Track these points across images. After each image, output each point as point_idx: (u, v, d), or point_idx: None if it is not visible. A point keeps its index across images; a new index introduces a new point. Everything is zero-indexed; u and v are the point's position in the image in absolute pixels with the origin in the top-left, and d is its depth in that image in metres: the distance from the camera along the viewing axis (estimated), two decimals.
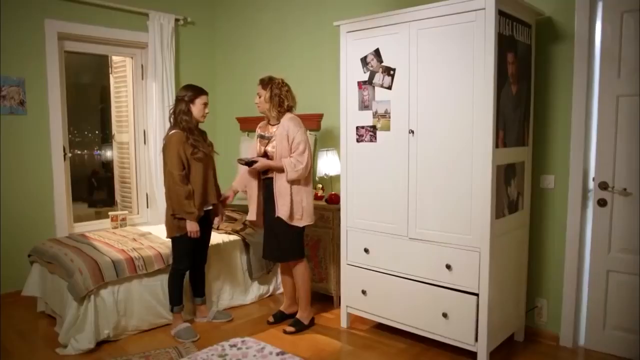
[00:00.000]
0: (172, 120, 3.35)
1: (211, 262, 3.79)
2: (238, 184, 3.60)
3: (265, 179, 3.45)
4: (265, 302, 4.10)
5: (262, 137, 3.49)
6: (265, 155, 3.42)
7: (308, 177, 3.40)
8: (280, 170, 3.32)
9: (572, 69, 3.06)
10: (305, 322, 3.54)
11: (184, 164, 3.22)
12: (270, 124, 3.45)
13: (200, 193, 3.30)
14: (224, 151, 5.45)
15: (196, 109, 3.32)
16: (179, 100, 3.32)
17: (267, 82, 3.38)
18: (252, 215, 3.54)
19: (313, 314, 3.64)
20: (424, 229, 3.03)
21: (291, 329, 3.49)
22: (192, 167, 3.26)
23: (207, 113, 3.41)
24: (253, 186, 3.51)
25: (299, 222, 3.40)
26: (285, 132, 3.32)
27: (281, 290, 4.27)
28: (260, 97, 3.39)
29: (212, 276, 3.85)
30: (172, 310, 3.42)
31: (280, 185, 3.35)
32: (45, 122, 4.30)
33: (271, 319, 3.66)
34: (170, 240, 3.42)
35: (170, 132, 3.28)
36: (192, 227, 3.26)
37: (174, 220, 3.27)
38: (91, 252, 3.43)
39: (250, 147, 3.69)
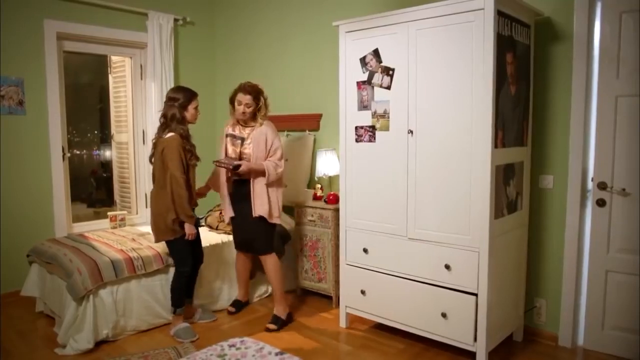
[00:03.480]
0: (161, 120, 3.32)
1: (210, 262, 3.79)
2: (213, 184, 3.75)
3: (237, 180, 3.54)
4: (264, 302, 4.10)
5: (234, 136, 3.56)
6: (240, 156, 3.51)
7: (280, 178, 3.58)
8: (261, 172, 3.43)
9: (571, 69, 3.07)
10: (283, 316, 3.62)
11: (184, 168, 3.25)
12: (243, 125, 3.55)
13: (192, 196, 3.37)
14: None
15: (189, 114, 3.34)
16: (170, 105, 3.29)
17: (256, 93, 3.48)
18: (230, 213, 3.64)
19: (289, 307, 3.73)
20: (423, 229, 3.03)
21: (273, 326, 3.54)
22: (189, 172, 3.30)
23: (199, 114, 3.44)
24: (225, 186, 3.62)
25: (277, 220, 3.59)
26: (264, 136, 3.46)
27: None
28: (249, 107, 3.45)
29: (211, 276, 3.84)
30: (174, 312, 3.42)
31: (259, 187, 3.46)
32: (44, 122, 4.29)
33: (232, 309, 3.82)
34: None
35: (168, 136, 3.24)
36: (191, 229, 3.32)
37: (171, 224, 3.26)
38: (90, 252, 3.43)
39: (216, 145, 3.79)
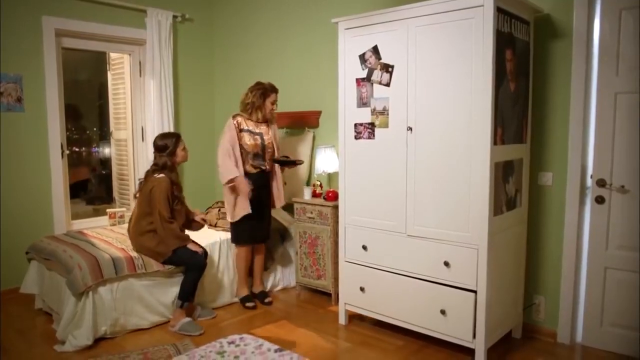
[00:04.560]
0: (153, 168, 3.53)
1: (210, 260, 3.78)
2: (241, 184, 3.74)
3: (262, 171, 3.85)
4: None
5: (251, 132, 3.80)
6: (264, 149, 3.82)
7: None
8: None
9: (571, 66, 3.06)
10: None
11: (170, 207, 3.46)
12: (257, 122, 3.82)
13: (181, 225, 3.64)
14: None
15: (179, 157, 3.58)
16: (160, 155, 3.51)
17: None
18: (249, 209, 3.76)
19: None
20: (422, 226, 3.03)
21: (270, 299, 4.00)
22: (174, 212, 3.51)
23: (187, 152, 3.66)
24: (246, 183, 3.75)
25: None
26: (277, 132, 3.98)
27: (279, 287, 4.30)
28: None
29: (211, 274, 3.84)
30: (180, 306, 3.44)
31: (279, 177, 3.97)
32: (43, 119, 4.28)
33: (251, 304, 3.89)
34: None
35: (159, 176, 3.45)
36: (195, 247, 3.53)
37: (154, 247, 3.43)
38: (90, 249, 3.43)
39: (227, 139, 3.76)
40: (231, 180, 3.65)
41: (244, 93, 3.83)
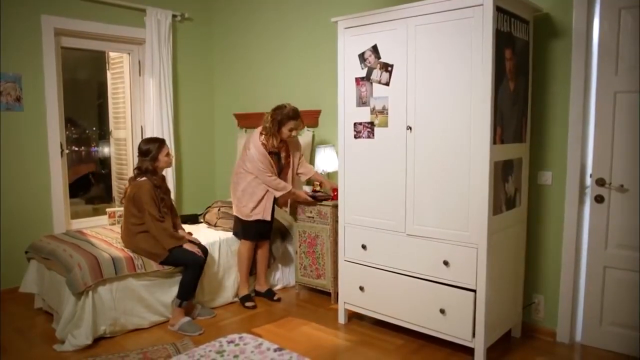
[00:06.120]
0: (136, 172, 3.56)
1: (209, 259, 3.78)
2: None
3: None
4: (264, 299, 4.10)
5: (273, 153, 3.84)
6: (281, 169, 3.93)
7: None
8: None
9: (570, 66, 3.06)
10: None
11: (158, 207, 3.48)
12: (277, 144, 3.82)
13: (175, 224, 3.74)
14: (222, 147, 5.46)
15: (161, 162, 3.58)
16: (143, 160, 3.53)
17: None
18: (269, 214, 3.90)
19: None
20: (421, 225, 3.03)
21: (279, 295, 4.05)
22: (162, 213, 3.52)
23: (171, 158, 3.70)
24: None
25: None
26: (299, 151, 4.05)
27: (279, 286, 4.30)
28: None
29: (211, 273, 3.84)
30: (179, 305, 3.44)
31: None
32: (42, 118, 4.28)
33: (251, 304, 3.89)
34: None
35: (140, 180, 3.49)
36: (192, 247, 3.52)
37: (151, 249, 3.44)
38: (90, 249, 3.43)
39: (259, 160, 3.77)
40: (288, 193, 3.87)
41: (266, 115, 3.80)
